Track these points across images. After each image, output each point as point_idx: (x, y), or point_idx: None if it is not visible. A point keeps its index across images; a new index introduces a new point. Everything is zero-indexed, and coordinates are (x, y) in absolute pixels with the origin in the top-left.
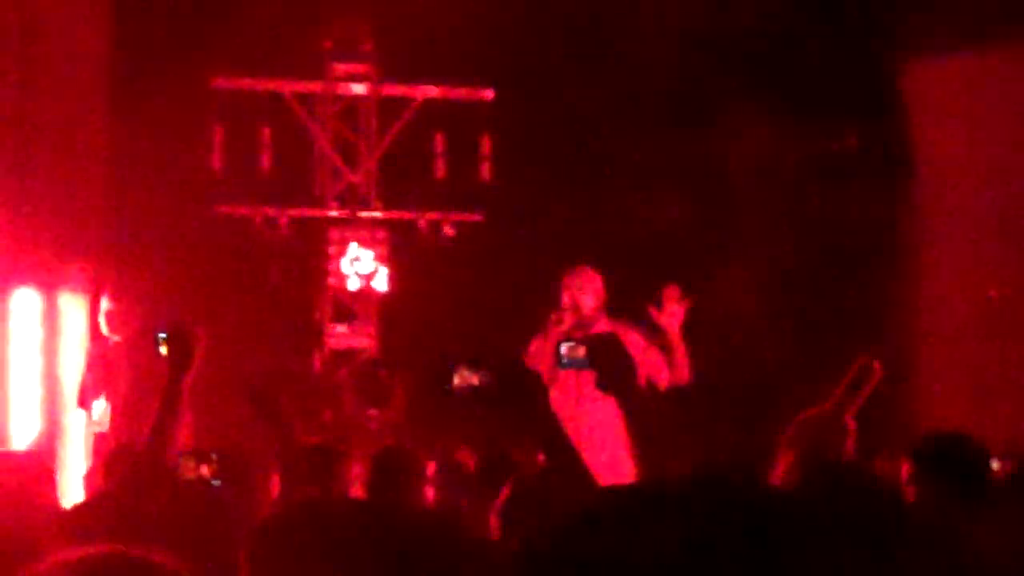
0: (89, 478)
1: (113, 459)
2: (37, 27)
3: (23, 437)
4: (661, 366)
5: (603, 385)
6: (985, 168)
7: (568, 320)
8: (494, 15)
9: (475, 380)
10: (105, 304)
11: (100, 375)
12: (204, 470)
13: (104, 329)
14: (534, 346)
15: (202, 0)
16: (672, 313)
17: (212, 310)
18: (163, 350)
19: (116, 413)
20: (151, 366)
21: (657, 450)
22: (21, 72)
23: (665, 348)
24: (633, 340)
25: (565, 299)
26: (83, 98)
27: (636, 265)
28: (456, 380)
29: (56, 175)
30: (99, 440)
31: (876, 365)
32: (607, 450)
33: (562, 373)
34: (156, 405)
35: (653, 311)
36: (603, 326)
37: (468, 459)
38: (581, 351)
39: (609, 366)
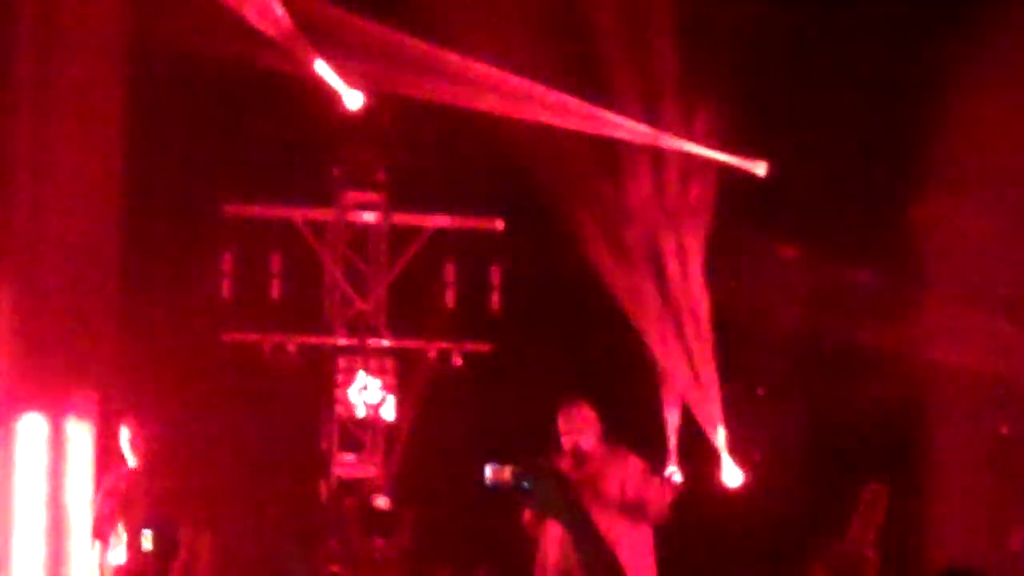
0: None
1: None
2: (48, 153)
3: (27, 566)
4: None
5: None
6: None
7: (567, 464)
8: (505, 146)
9: (507, 475)
10: (127, 431)
11: (116, 504)
12: None
13: (129, 456)
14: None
15: (214, 127)
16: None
17: (220, 437)
18: (146, 545)
19: (132, 542)
20: (167, 492)
21: None
22: (31, 194)
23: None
24: (634, 465)
25: (564, 442)
26: (93, 222)
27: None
28: (489, 475)
29: (64, 300)
30: (118, 573)
31: (883, 490)
32: None
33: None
34: None
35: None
36: (598, 456)
37: None
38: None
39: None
